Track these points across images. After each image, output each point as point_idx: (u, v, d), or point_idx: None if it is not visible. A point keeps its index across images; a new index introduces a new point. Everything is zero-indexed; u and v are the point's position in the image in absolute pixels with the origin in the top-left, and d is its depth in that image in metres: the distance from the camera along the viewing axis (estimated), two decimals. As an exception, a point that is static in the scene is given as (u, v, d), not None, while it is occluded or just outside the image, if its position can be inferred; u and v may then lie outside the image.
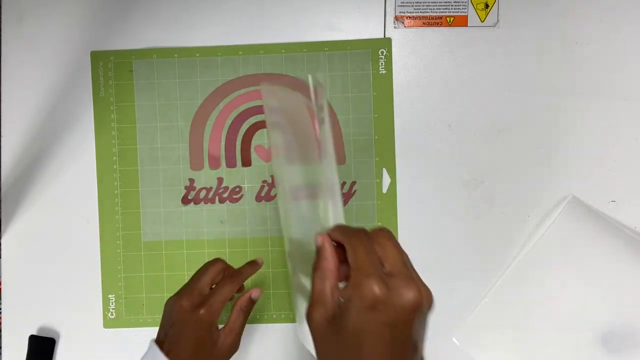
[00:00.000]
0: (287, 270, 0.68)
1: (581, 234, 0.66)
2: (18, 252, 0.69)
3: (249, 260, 0.67)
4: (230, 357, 0.54)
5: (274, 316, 0.68)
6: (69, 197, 0.69)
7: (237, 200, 0.68)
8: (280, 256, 0.68)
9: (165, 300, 0.57)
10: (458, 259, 0.67)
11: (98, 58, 0.68)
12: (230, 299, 0.55)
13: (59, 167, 0.69)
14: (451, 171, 0.68)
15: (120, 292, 0.69)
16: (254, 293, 0.56)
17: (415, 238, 0.68)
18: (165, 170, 0.68)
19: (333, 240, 0.40)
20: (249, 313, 0.57)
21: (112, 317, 0.69)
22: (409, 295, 0.35)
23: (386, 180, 0.68)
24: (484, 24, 0.67)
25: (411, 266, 0.38)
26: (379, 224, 0.68)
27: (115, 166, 0.68)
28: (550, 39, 0.67)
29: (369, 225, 0.67)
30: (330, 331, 0.36)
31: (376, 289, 0.35)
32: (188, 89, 0.68)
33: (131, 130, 0.68)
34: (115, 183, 0.69)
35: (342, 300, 0.37)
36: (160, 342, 0.52)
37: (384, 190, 0.68)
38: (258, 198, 0.68)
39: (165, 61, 0.68)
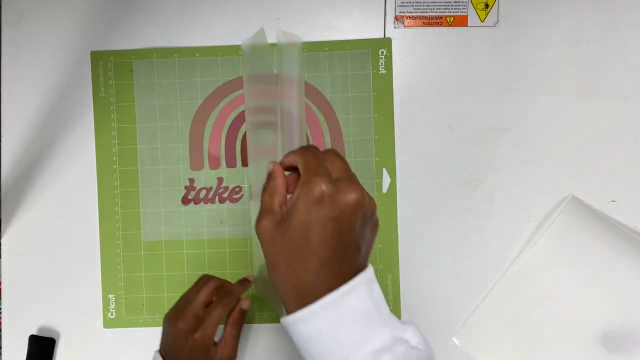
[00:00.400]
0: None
1: (581, 234, 0.66)
2: (18, 252, 0.69)
3: (250, 260, 0.67)
4: None
5: (275, 316, 0.68)
6: (69, 197, 0.69)
7: (237, 200, 0.68)
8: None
9: (165, 301, 0.67)
10: (458, 259, 0.67)
11: (98, 58, 0.68)
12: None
13: (59, 167, 0.69)
14: (451, 171, 0.68)
15: (120, 292, 0.69)
16: (244, 304, 0.60)
17: (415, 238, 0.68)
18: (165, 170, 0.68)
19: (287, 168, 0.43)
20: (242, 324, 0.61)
21: (112, 317, 0.69)
22: (352, 194, 0.39)
23: (386, 180, 0.68)
24: (484, 24, 0.67)
25: (356, 178, 0.41)
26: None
27: (115, 166, 0.68)
28: (550, 39, 0.67)
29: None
30: (279, 233, 0.39)
31: (323, 185, 0.38)
32: (188, 89, 0.68)
33: (131, 130, 0.68)
34: (115, 183, 0.68)
35: (289, 207, 0.40)
36: (162, 355, 0.55)
37: (384, 190, 0.68)
38: (258, 198, 0.68)
39: (165, 61, 0.68)
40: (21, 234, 0.69)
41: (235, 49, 0.68)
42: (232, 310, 0.59)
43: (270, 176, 0.43)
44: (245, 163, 0.68)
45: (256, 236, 0.41)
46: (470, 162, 0.68)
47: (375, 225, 0.42)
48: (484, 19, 0.67)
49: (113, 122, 0.69)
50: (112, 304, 0.69)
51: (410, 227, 0.68)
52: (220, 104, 0.68)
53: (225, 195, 0.68)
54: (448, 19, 0.67)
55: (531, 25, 0.67)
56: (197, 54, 0.68)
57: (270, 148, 0.66)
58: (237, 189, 0.68)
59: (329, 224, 0.38)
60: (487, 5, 0.67)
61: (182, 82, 0.68)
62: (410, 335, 0.39)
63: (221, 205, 0.68)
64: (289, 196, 0.42)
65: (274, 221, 0.40)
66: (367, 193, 0.40)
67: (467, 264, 0.67)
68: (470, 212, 0.68)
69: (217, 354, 0.56)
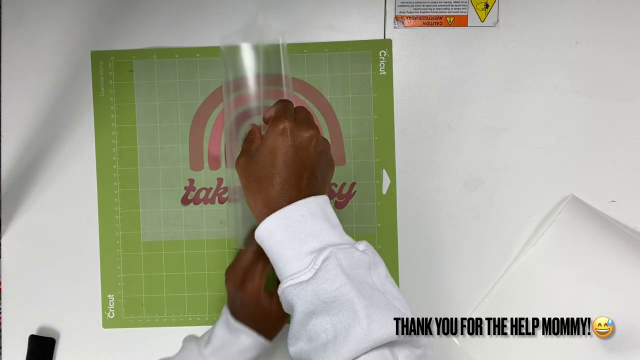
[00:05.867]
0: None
1: (581, 234, 0.66)
2: (18, 252, 0.69)
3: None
4: (286, 314, 0.61)
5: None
6: (69, 197, 0.69)
7: (237, 200, 0.68)
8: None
9: (164, 302, 0.69)
10: (458, 259, 0.67)
11: (98, 58, 0.68)
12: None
13: (59, 167, 0.69)
14: (451, 171, 0.68)
15: (119, 292, 0.69)
16: None
17: (416, 238, 0.68)
18: (165, 170, 0.68)
19: (268, 120, 0.53)
20: None
21: (111, 317, 0.69)
22: (309, 130, 0.50)
23: (386, 181, 0.68)
24: (484, 24, 0.67)
25: (314, 124, 0.51)
26: (379, 225, 0.67)
27: (115, 166, 0.69)
28: (550, 39, 0.67)
29: (369, 227, 0.68)
30: (252, 162, 0.50)
31: (286, 122, 0.49)
32: (188, 89, 0.68)
33: (131, 130, 0.68)
34: (115, 183, 0.69)
35: (261, 141, 0.51)
36: (232, 312, 0.60)
37: (384, 192, 0.68)
38: (258, 198, 0.68)
39: (165, 61, 0.68)
40: (21, 234, 0.69)
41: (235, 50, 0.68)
42: None
43: (250, 132, 0.55)
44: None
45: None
46: (470, 162, 0.68)
47: (329, 163, 0.53)
48: (484, 19, 0.67)
49: (113, 122, 0.69)
50: (112, 304, 0.69)
51: (410, 227, 0.68)
52: (220, 104, 0.68)
53: (225, 195, 0.68)
54: (448, 19, 0.67)
55: (531, 25, 0.67)
56: (197, 54, 0.68)
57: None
58: (237, 190, 0.68)
59: (290, 150, 0.49)
60: (487, 5, 0.67)
61: (182, 82, 0.68)
62: (360, 246, 0.47)
63: (221, 205, 0.68)
64: None
65: (248, 157, 0.51)
66: (322, 135, 0.52)
67: (467, 264, 0.67)
68: (470, 212, 0.67)
69: (273, 304, 0.60)
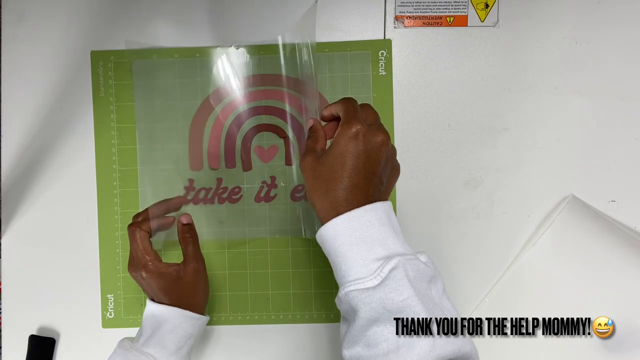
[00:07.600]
0: (287, 272, 0.68)
1: (581, 234, 0.66)
2: (18, 252, 0.69)
3: (249, 261, 0.67)
4: (199, 279, 0.61)
5: (273, 317, 0.68)
6: (69, 197, 0.69)
7: (236, 200, 0.68)
8: (279, 257, 0.68)
9: None
10: (458, 259, 0.67)
11: (98, 58, 0.68)
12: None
13: (59, 167, 0.69)
14: (451, 171, 0.68)
15: (119, 292, 0.69)
16: (183, 219, 0.63)
17: (416, 238, 0.67)
18: (165, 170, 0.68)
19: (326, 118, 0.54)
20: (194, 236, 0.62)
21: (111, 317, 0.69)
22: (380, 135, 0.49)
23: (386, 180, 0.68)
24: (484, 24, 0.67)
25: (384, 126, 0.51)
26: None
27: (115, 166, 0.68)
28: (550, 39, 0.67)
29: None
30: (320, 163, 0.50)
31: (359, 126, 0.49)
32: (188, 89, 0.68)
33: (131, 130, 0.68)
34: (115, 183, 0.68)
35: (332, 142, 0.50)
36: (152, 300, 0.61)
37: (384, 191, 0.68)
38: (257, 199, 0.68)
39: (165, 61, 0.68)
40: (21, 234, 0.69)
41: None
42: (177, 232, 0.62)
43: (312, 129, 0.54)
44: (246, 166, 0.68)
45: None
46: (470, 162, 0.67)
47: (395, 167, 0.53)
48: (484, 19, 0.67)
49: (113, 122, 0.69)
50: (111, 304, 0.69)
51: (410, 227, 0.67)
52: (220, 104, 0.68)
53: (225, 195, 0.68)
54: (448, 19, 0.67)
55: (531, 25, 0.67)
56: (197, 54, 0.68)
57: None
58: (237, 190, 0.68)
59: (362, 155, 0.48)
60: (487, 5, 0.67)
61: (182, 82, 0.68)
62: (422, 257, 0.47)
63: (220, 205, 0.68)
64: (328, 142, 0.53)
65: (315, 157, 0.51)
66: (392, 144, 0.52)
67: (467, 264, 0.67)
68: (470, 212, 0.67)
69: (182, 270, 0.60)
